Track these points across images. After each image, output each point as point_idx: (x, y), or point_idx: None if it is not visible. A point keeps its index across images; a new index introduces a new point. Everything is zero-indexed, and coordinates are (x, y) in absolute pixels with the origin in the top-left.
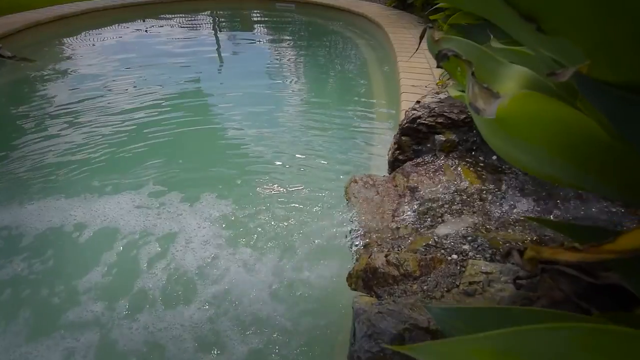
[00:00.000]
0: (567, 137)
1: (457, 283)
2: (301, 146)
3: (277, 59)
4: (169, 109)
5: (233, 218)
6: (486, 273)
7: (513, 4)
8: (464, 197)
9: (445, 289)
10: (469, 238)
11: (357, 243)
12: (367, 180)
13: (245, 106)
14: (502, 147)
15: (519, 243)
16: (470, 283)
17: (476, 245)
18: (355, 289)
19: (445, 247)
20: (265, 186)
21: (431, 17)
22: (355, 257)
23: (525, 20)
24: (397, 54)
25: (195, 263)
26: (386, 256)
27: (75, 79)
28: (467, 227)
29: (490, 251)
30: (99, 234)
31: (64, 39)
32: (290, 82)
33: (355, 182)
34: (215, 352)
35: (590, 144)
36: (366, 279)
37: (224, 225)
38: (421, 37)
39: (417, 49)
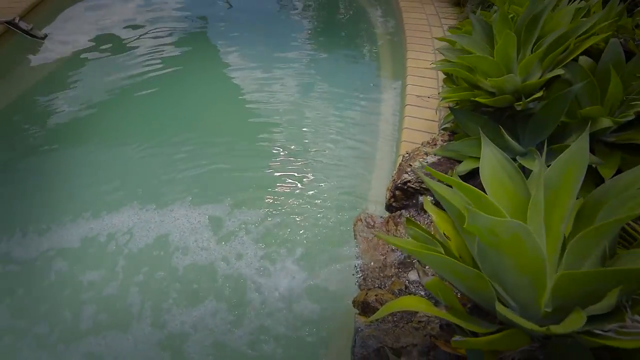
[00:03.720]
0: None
1: (412, 319)
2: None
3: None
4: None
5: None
6: (427, 316)
7: None
8: None
9: (405, 322)
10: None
11: (359, 274)
12: (369, 221)
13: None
14: None
15: None
16: (419, 322)
17: (429, 292)
18: (357, 309)
19: (411, 291)
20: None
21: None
22: (357, 283)
23: None
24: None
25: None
26: (375, 296)
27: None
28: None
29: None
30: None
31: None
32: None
33: (360, 220)
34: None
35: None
36: (363, 307)
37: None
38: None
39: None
